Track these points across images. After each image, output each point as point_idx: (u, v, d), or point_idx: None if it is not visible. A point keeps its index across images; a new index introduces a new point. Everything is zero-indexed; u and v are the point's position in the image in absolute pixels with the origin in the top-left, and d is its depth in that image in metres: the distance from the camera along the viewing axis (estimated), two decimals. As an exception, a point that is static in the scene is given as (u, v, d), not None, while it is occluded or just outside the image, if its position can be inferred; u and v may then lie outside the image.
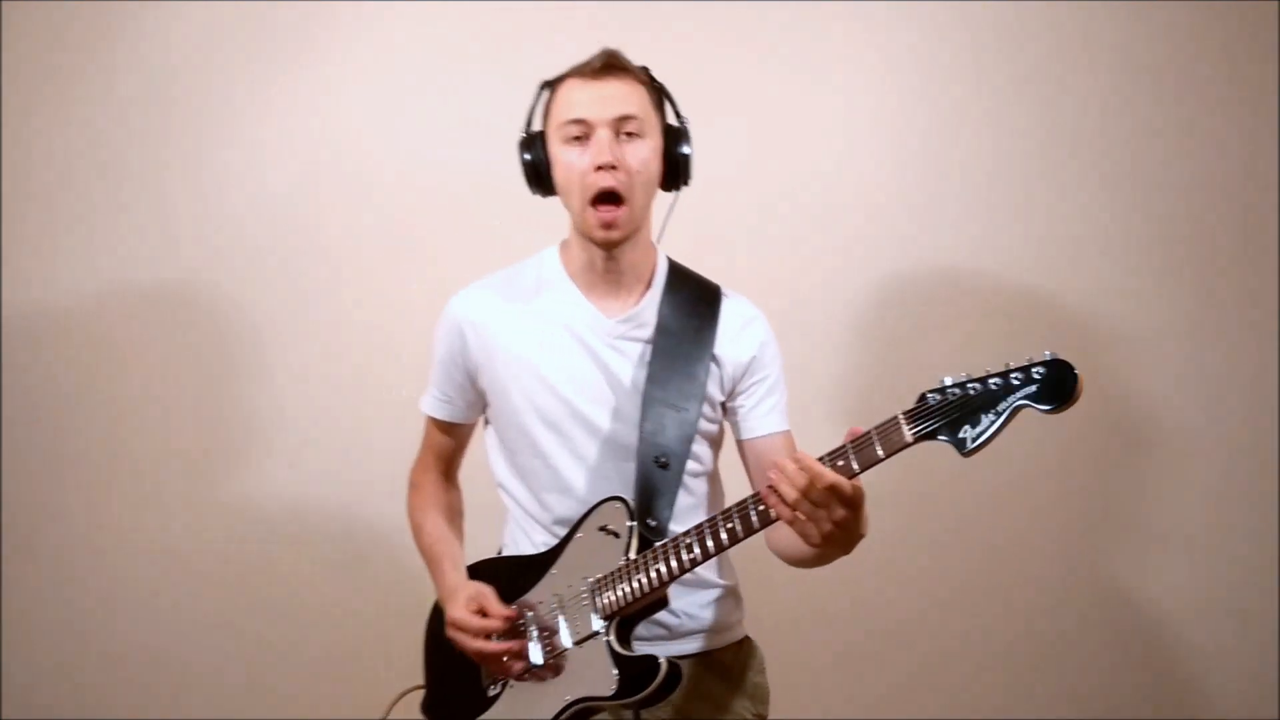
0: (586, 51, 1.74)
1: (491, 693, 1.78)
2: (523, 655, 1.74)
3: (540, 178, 1.78)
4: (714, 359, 1.80)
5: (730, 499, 1.86)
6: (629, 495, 1.74)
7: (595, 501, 1.76)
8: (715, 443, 1.86)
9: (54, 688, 2.60)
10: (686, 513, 1.79)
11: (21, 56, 2.58)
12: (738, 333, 1.83)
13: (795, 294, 2.50)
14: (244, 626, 2.60)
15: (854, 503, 1.51)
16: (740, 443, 1.87)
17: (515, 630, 1.76)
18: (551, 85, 1.78)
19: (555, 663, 1.72)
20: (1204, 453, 2.56)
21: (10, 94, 2.57)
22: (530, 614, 1.76)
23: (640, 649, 1.69)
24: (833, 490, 1.49)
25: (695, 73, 2.61)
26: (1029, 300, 2.57)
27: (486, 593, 1.78)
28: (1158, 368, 2.56)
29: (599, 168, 1.70)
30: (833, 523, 1.51)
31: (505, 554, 1.89)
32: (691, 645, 1.81)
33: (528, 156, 1.78)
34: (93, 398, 2.59)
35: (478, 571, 1.86)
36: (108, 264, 2.59)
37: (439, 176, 2.57)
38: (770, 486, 1.54)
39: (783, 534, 1.64)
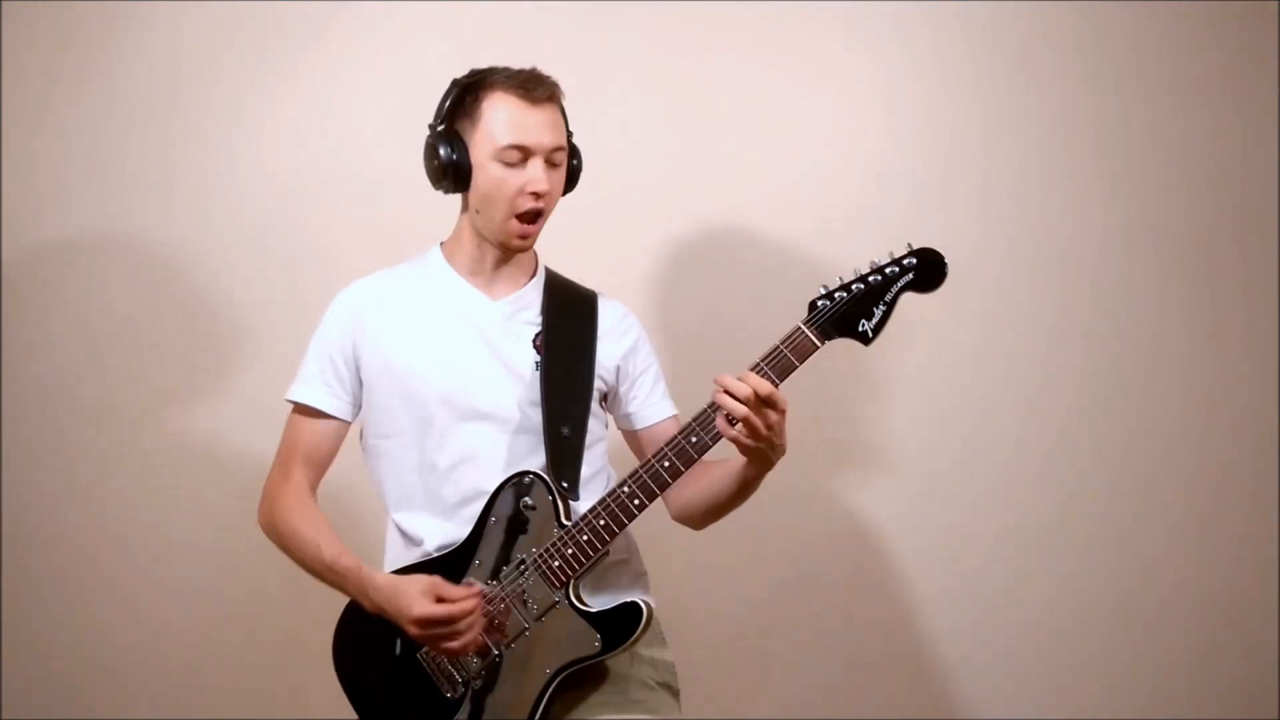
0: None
1: (452, 695, 1.78)
2: (504, 631, 1.75)
3: (459, 177, 1.81)
4: (598, 347, 1.90)
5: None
6: (538, 466, 1.80)
7: (500, 483, 1.80)
8: (601, 421, 1.93)
9: (54, 688, 2.60)
10: (589, 482, 1.85)
11: (22, 56, 2.58)
12: (616, 324, 1.95)
13: (794, 290, 2.48)
14: (246, 626, 2.61)
15: (782, 407, 1.67)
16: (634, 433, 1.96)
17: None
18: (474, 90, 1.81)
19: (522, 642, 1.75)
20: (1204, 452, 2.56)
21: (11, 94, 2.57)
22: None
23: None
24: (769, 398, 1.65)
25: (689, 72, 2.60)
26: (1027, 299, 2.57)
27: (436, 580, 1.74)
28: (1157, 366, 2.55)
29: (533, 194, 1.79)
30: (767, 427, 1.66)
31: (399, 566, 1.85)
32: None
33: (449, 154, 1.80)
34: (94, 396, 2.60)
35: None
36: (110, 261, 2.59)
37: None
38: (714, 403, 1.67)
39: (696, 486, 1.82)
